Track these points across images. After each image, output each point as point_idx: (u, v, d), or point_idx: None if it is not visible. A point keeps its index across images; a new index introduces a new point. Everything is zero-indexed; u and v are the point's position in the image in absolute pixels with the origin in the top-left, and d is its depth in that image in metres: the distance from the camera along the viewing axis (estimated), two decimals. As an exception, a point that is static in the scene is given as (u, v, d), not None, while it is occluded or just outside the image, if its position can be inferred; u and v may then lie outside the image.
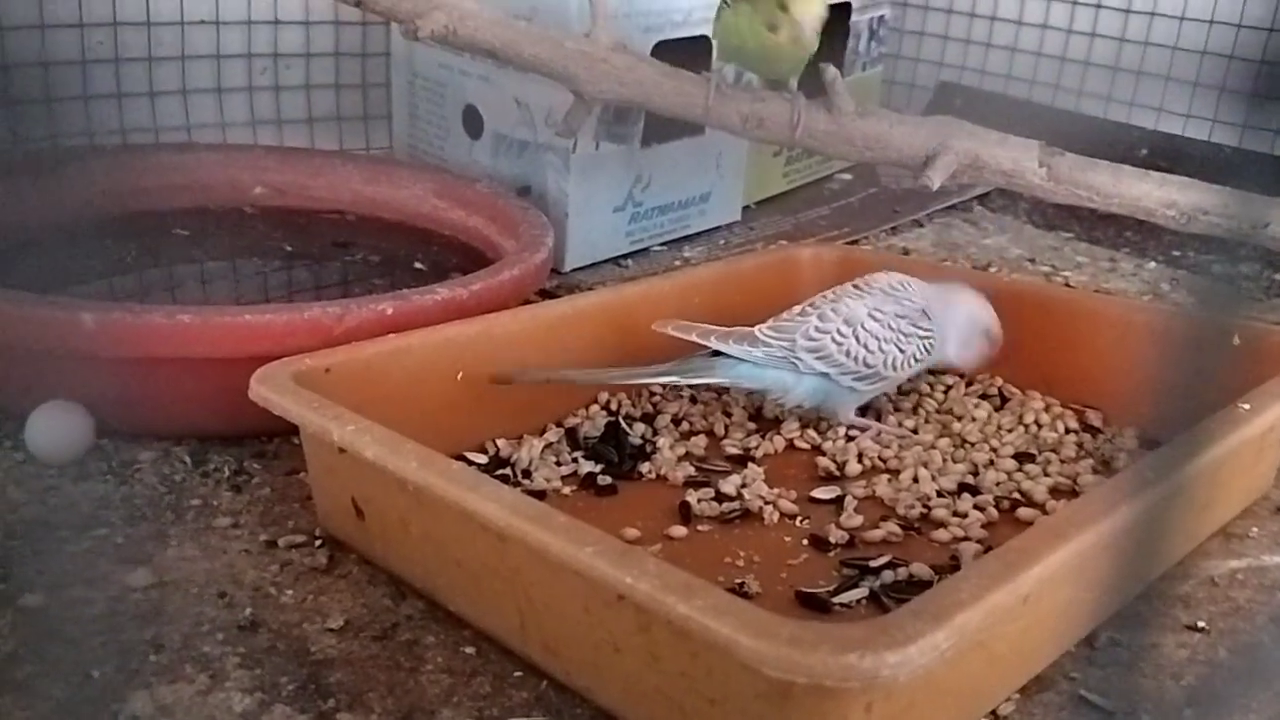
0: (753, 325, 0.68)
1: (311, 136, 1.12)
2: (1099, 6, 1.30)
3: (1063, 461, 0.68)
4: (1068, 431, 0.72)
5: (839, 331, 0.67)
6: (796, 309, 0.69)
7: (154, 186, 0.91)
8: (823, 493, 0.64)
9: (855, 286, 0.70)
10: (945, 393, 0.76)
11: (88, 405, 0.64)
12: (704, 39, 0.99)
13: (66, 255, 0.81)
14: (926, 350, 0.68)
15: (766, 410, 0.73)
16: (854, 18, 1.21)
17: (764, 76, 0.84)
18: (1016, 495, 0.64)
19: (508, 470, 0.64)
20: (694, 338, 0.67)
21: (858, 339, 0.67)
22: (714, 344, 0.67)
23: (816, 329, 0.67)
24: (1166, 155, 1.20)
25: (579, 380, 0.68)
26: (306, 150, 1.05)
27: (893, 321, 0.67)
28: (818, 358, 0.67)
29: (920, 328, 0.68)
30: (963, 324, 0.69)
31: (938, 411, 0.74)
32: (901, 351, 0.67)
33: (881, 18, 1.27)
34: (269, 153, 0.98)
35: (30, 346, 0.63)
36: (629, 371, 0.67)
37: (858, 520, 0.61)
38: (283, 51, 1.09)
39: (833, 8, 1.16)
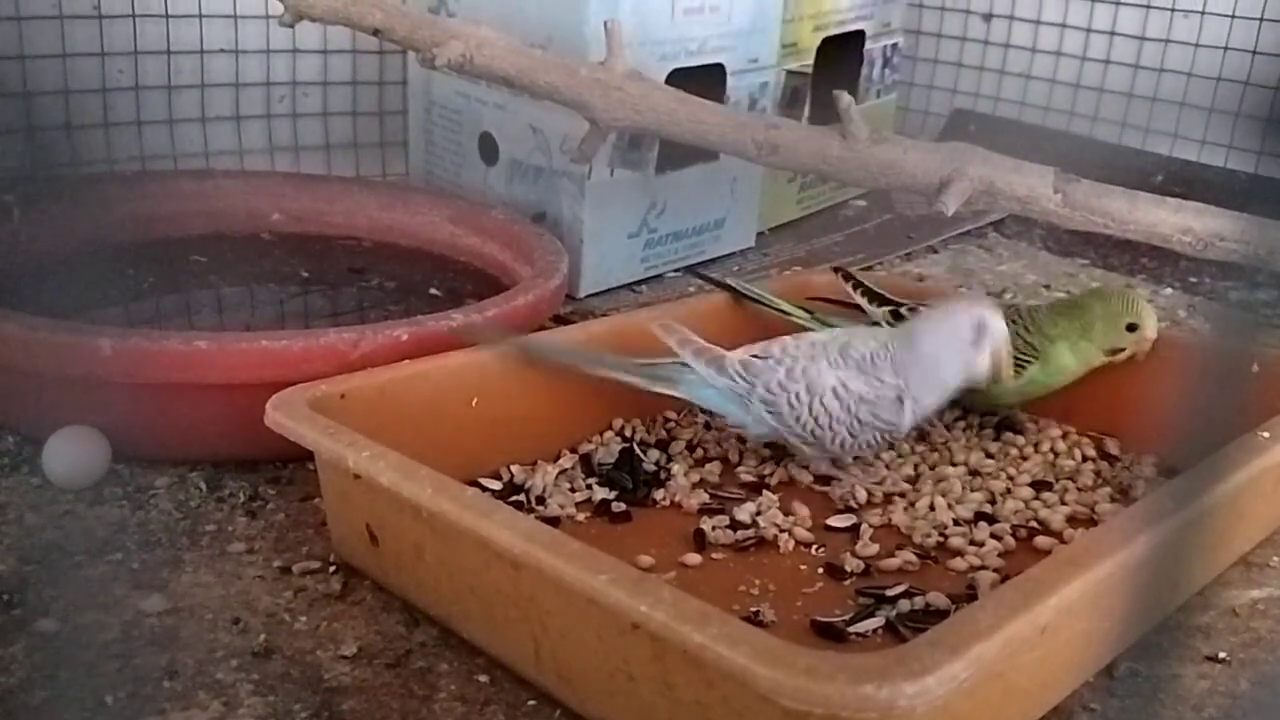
0: (737, 348, 0.66)
1: (329, 163, 1.13)
2: (1113, 33, 1.30)
3: (1080, 490, 0.67)
4: (1085, 459, 0.71)
5: (798, 396, 0.64)
6: (778, 347, 0.66)
7: (172, 213, 0.92)
8: (838, 521, 0.64)
9: (839, 352, 0.65)
10: (959, 420, 0.75)
11: (104, 430, 0.64)
12: (718, 67, 1.00)
13: (85, 281, 0.82)
14: (881, 442, 0.65)
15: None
16: (868, 45, 1.21)
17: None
18: (1034, 524, 0.64)
19: (522, 497, 0.64)
20: (672, 343, 0.66)
21: (811, 410, 0.64)
22: (687, 357, 0.65)
23: (779, 384, 0.64)
24: (1182, 181, 1.19)
25: (545, 354, 0.66)
26: (323, 177, 1.06)
27: (854, 404, 0.63)
28: (769, 411, 0.64)
29: (880, 419, 0.64)
30: (941, 348, 0.64)
31: (949, 439, 0.73)
32: (852, 437, 0.64)
33: (895, 45, 1.27)
34: (286, 179, 0.98)
35: (48, 372, 0.64)
36: (600, 359, 0.66)
37: (873, 549, 0.61)
38: (301, 80, 1.10)
39: (846, 35, 1.17)
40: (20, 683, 0.49)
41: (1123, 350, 0.71)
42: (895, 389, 0.64)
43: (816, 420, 0.64)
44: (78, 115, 0.99)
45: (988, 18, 1.40)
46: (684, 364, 0.66)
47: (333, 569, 0.59)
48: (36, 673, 0.50)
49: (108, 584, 0.56)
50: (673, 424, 0.73)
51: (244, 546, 0.60)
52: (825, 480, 0.68)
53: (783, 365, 0.65)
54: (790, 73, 1.11)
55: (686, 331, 0.66)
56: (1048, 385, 0.72)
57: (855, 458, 0.69)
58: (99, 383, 0.63)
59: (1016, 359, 0.69)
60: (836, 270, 0.81)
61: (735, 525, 0.62)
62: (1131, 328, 0.70)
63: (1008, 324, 0.66)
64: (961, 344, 0.64)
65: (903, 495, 0.67)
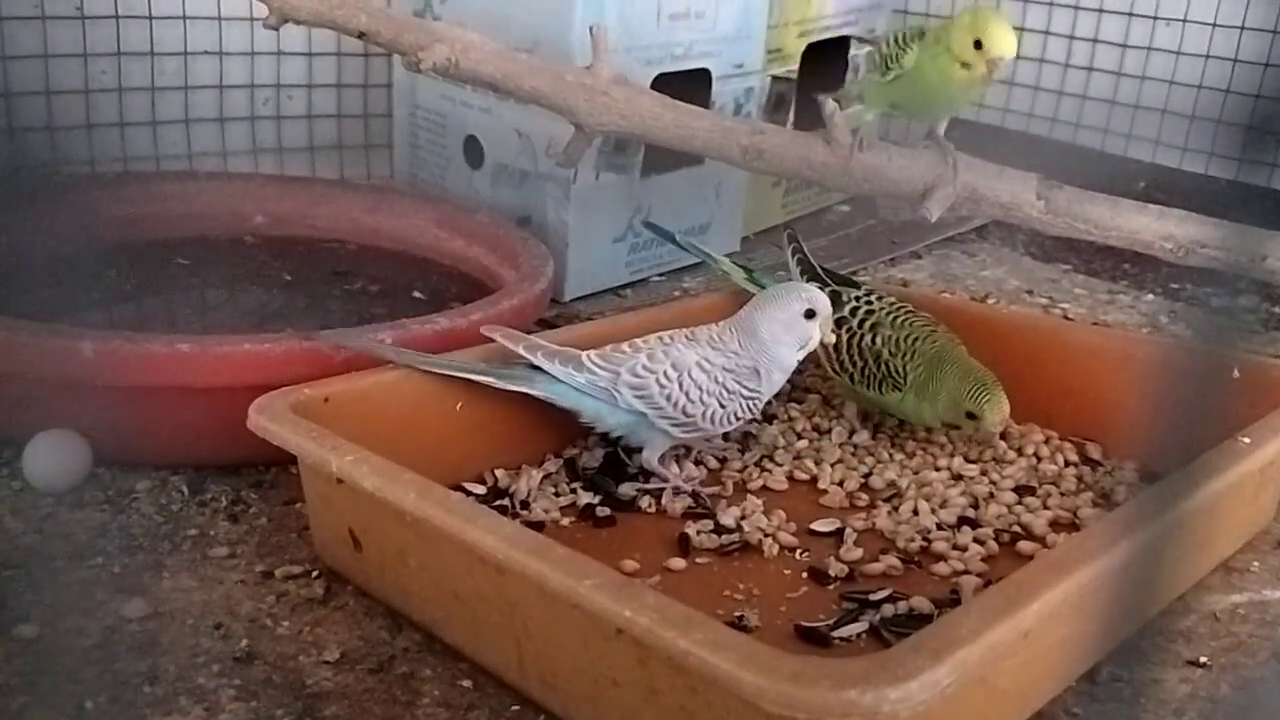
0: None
1: (313, 165, 1.12)
2: (1095, 41, 1.31)
3: (1063, 494, 0.68)
4: (1067, 464, 0.71)
5: (665, 375, 0.65)
6: (626, 344, 0.67)
7: (155, 215, 0.91)
8: (822, 525, 0.64)
9: (686, 336, 0.67)
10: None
11: (85, 434, 0.63)
12: (703, 72, 1.00)
13: (67, 283, 0.81)
14: (750, 410, 0.66)
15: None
16: (852, 51, 1.22)
17: (922, 118, 0.85)
18: (1016, 528, 0.64)
19: (506, 501, 0.64)
20: (520, 350, 0.65)
21: (681, 385, 0.65)
22: (538, 361, 0.65)
23: (644, 367, 0.65)
24: (1164, 188, 1.20)
25: (387, 355, 0.64)
26: (307, 179, 1.06)
27: (719, 375, 0.65)
28: (638, 395, 0.65)
29: (746, 387, 0.65)
30: (779, 330, 0.66)
31: (928, 442, 0.73)
32: (723, 407, 0.65)
33: (880, 51, 1.28)
34: (270, 181, 0.98)
35: (29, 374, 0.63)
36: (447, 360, 0.65)
37: (857, 553, 0.61)
38: (285, 82, 1.10)
39: (831, 41, 1.17)
40: (-1, 688, 0.49)
41: (958, 429, 0.70)
42: (751, 359, 0.66)
43: (688, 395, 0.64)
44: (60, 116, 0.99)
45: (972, 24, 1.40)
46: (535, 365, 0.65)
47: (315, 574, 0.59)
48: (16, 678, 0.49)
49: (88, 589, 0.56)
50: (657, 428, 0.73)
51: (226, 551, 0.60)
52: (814, 480, 0.68)
53: (641, 352, 0.66)
54: (775, 78, 1.12)
55: (530, 337, 0.66)
56: (914, 415, 0.72)
57: (697, 460, 0.70)
58: (80, 385, 0.63)
59: (891, 379, 0.71)
60: (786, 227, 0.82)
61: (719, 530, 0.63)
62: (970, 415, 0.69)
63: (888, 351, 0.71)
64: (795, 322, 0.66)
65: (886, 500, 0.67)
